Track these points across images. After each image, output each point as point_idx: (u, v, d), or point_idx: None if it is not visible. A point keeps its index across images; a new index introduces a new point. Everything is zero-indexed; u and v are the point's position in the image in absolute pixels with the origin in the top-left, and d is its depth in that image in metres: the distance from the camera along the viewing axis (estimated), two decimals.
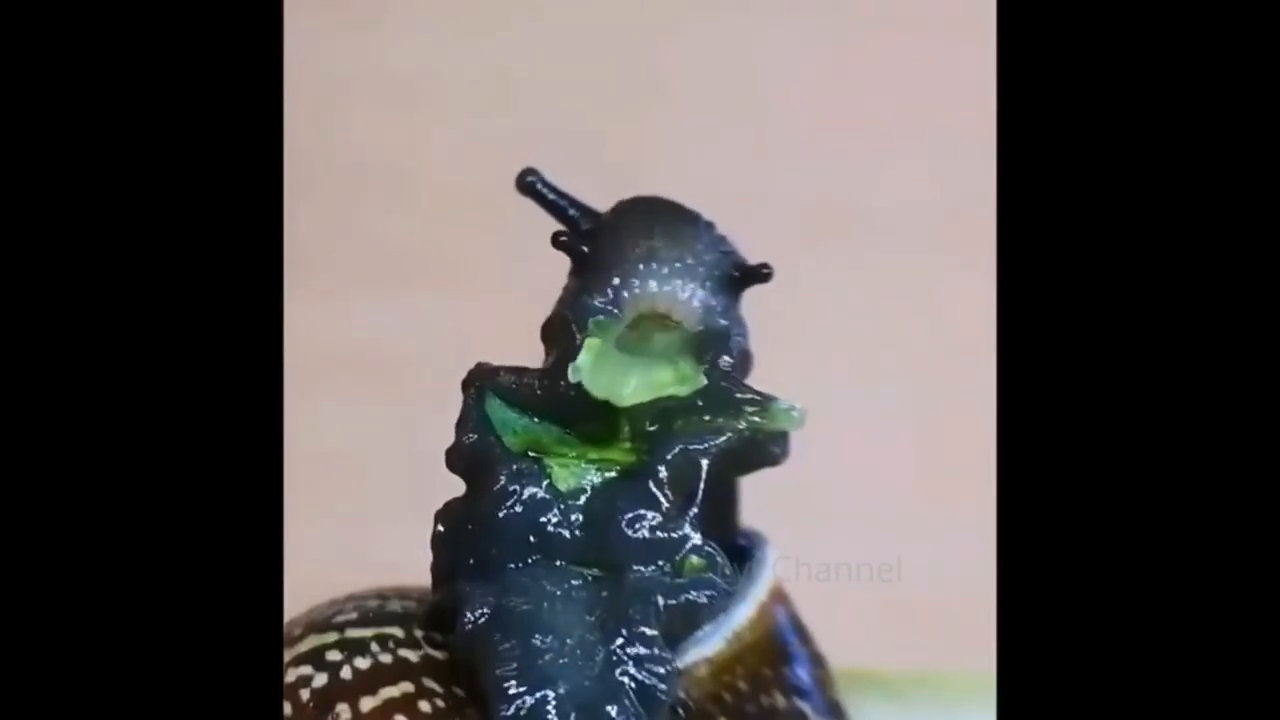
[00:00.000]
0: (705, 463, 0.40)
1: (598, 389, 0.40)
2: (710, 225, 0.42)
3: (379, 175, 0.76)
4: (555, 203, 0.42)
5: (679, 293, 0.41)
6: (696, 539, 0.39)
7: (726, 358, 0.41)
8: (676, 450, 0.40)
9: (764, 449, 0.41)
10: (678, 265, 0.41)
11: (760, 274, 0.42)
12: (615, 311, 0.41)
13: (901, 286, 0.75)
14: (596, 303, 0.41)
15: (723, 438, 0.40)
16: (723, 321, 0.41)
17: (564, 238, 0.42)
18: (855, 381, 0.73)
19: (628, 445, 0.40)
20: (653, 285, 0.41)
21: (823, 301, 0.74)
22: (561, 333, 0.41)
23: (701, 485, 0.40)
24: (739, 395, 0.40)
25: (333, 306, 0.74)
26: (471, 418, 0.40)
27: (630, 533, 0.39)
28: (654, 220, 0.41)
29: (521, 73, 0.76)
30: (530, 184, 0.43)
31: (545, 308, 0.42)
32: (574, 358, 0.40)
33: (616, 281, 0.41)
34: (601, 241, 0.41)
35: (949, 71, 0.74)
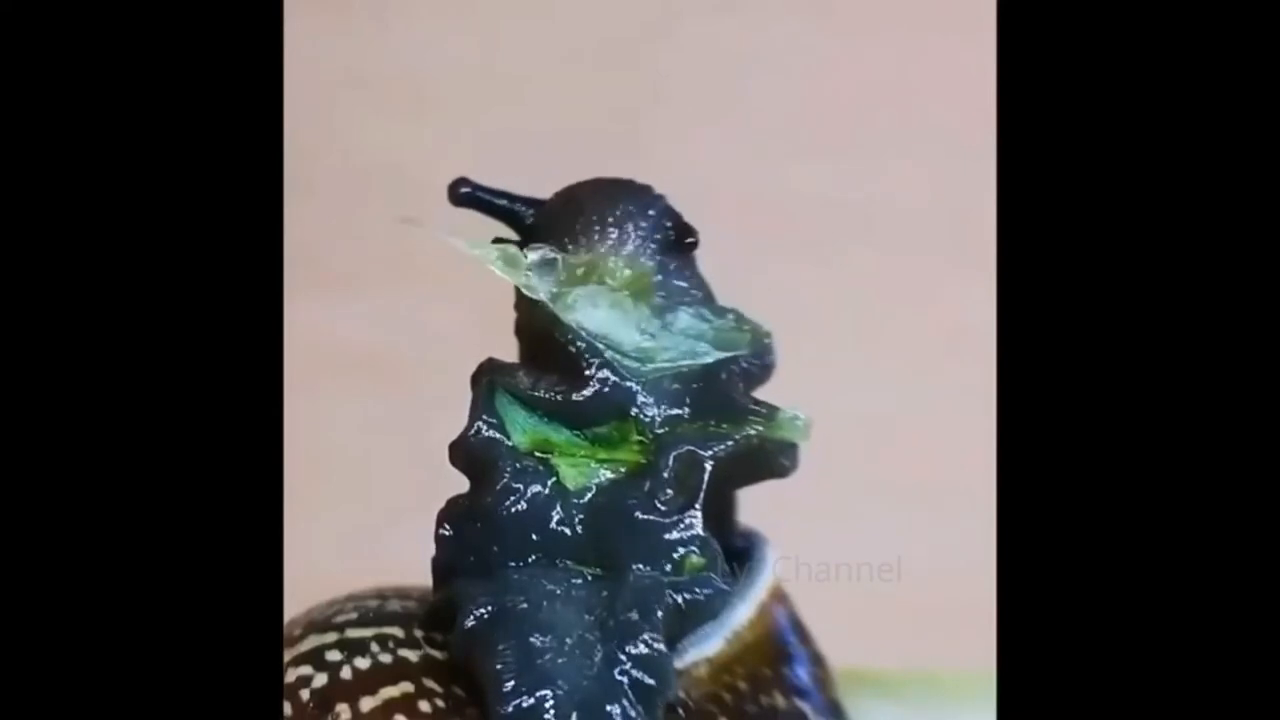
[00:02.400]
0: (710, 465, 0.40)
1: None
2: (646, 188, 0.41)
3: (379, 175, 0.76)
4: (494, 204, 0.42)
5: (625, 254, 0.41)
6: (699, 538, 0.39)
7: (733, 367, 0.41)
8: (683, 450, 0.40)
9: (772, 460, 0.41)
10: (617, 230, 0.41)
11: (686, 235, 0.41)
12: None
13: (901, 286, 0.75)
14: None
15: (729, 443, 0.40)
16: (681, 284, 0.41)
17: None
18: (855, 381, 0.73)
19: (637, 446, 0.40)
20: (600, 250, 0.41)
21: (823, 301, 0.74)
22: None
23: (704, 487, 0.40)
24: (743, 404, 0.41)
25: (333, 306, 0.74)
26: (481, 411, 0.40)
27: (632, 529, 0.39)
28: (590, 194, 0.41)
29: (521, 73, 0.76)
30: (466, 195, 0.42)
31: None
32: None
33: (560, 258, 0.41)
34: (544, 230, 0.41)
35: (949, 71, 0.74)
